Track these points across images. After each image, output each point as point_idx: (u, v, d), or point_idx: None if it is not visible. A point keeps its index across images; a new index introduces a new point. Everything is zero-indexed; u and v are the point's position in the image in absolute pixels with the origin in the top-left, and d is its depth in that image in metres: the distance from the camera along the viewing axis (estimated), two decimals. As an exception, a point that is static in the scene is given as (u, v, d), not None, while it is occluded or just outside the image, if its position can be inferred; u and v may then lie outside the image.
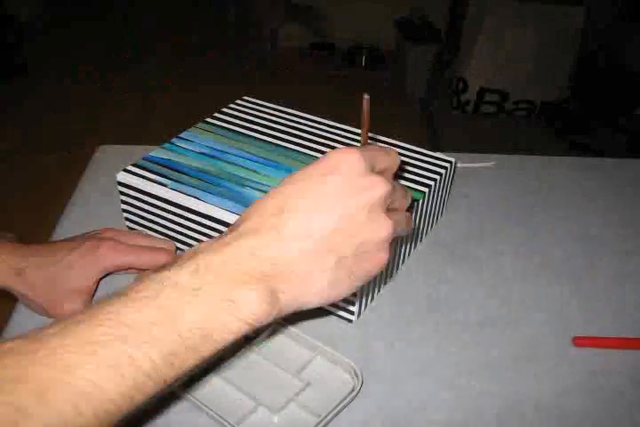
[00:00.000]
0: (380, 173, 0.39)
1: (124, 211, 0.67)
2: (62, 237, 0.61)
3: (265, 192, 0.60)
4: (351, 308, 0.58)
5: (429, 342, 0.58)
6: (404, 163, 0.65)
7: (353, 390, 0.51)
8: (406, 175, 0.64)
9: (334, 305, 0.58)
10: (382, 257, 0.37)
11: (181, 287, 0.32)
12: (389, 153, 0.40)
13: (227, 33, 2.99)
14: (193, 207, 0.59)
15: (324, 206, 0.35)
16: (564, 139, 2.25)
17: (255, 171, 0.63)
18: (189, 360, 0.31)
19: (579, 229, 0.73)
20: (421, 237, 0.69)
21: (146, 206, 0.63)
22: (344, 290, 0.37)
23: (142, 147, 0.81)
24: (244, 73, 2.71)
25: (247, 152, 0.66)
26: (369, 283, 0.57)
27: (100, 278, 0.58)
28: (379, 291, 0.62)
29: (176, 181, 0.61)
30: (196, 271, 0.32)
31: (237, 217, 0.57)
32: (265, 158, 0.65)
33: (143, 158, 0.65)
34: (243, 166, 0.64)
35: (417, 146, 0.69)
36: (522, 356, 0.57)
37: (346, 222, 0.35)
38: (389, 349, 0.57)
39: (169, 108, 2.42)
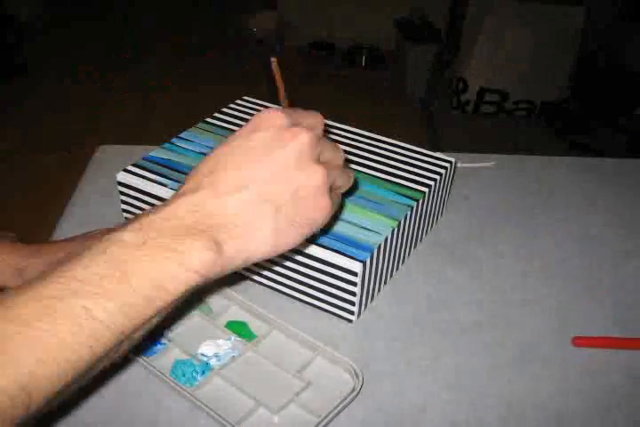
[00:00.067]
0: None
1: (124, 211, 0.67)
2: (62, 237, 0.62)
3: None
4: (351, 308, 0.58)
5: (429, 342, 0.58)
6: (396, 169, 0.65)
7: (353, 391, 0.51)
8: (406, 175, 0.64)
9: (334, 305, 0.58)
10: (323, 203, 0.39)
11: (127, 244, 0.33)
12: (311, 113, 0.42)
13: (227, 33, 2.99)
14: (193, 207, 0.59)
15: (253, 160, 0.37)
16: (564, 139, 2.25)
17: (255, 171, 0.63)
18: (146, 311, 0.32)
19: (578, 229, 0.73)
20: (421, 238, 0.69)
21: (146, 206, 0.63)
22: (290, 239, 0.38)
23: (142, 147, 0.81)
24: (243, 73, 2.71)
25: (247, 152, 0.66)
26: (372, 288, 0.57)
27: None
28: (379, 291, 0.63)
29: (176, 181, 0.61)
30: (139, 229, 0.34)
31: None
32: (265, 158, 0.65)
33: (143, 158, 0.65)
34: (243, 166, 0.64)
35: (417, 146, 0.69)
36: (521, 356, 0.57)
37: (276, 172, 0.37)
38: (389, 349, 0.57)
39: (169, 108, 2.42)
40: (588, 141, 2.18)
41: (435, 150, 0.68)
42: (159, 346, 0.55)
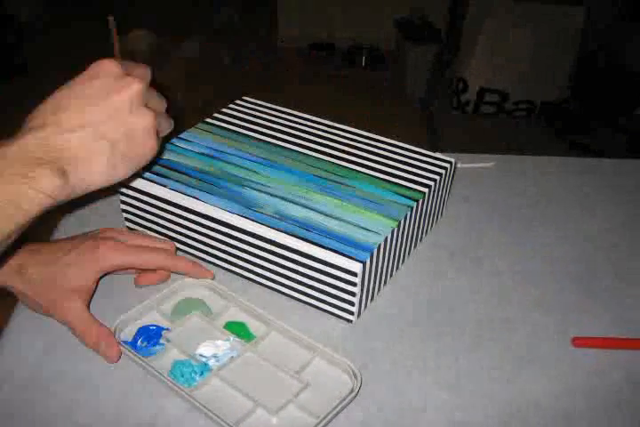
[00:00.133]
0: None
1: (124, 211, 0.67)
2: (62, 237, 0.61)
3: (264, 192, 0.60)
4: (351, 308, 0.58)
5: (429, 343, 0.58)
6: (396, 169, 0.65)
7: (352, 392, 0.51)
8: (406, 175, 0.64)
9: (334, 306, 0.58)
10: (151, 142, 0.47)
11: None
12: (140, 65, 0.49)
13: (227, 33, 2.99)
14: (192, 207, 0.59)
15: (92, 103, 0.44)
16: (564, 139, 2.25)
17: (255, 171, 0.63)
18: (6, 225, 0.39)
19: (578, 228, 0.73)
20: (421, 238, 0.69)
21: (146, 206, 0.63)
22: (123, 170, 0.46)
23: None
24: (243, 73, 2.71)
25: (247, 152, 0.66)
26: (372, 288, 0.57)
27: (100, 278, 0.58)
28: (379, 291, 0.62)
29: (176, 181, 0.61)
30: None
31: (237, 217, 0.57)
32: (265, 158, 0.65)
33: (143, 158, 0.64)
34: (242, 167, 0.64)
35: (417, 146, 0.69)
36: (521, 356, 0.57)
37: (112, 114, 0.44)
38: (389, 349, 0.57)
39: (168, 108, 2.42)
40: (588, 142, 2.18)
41: (434, 150, 0.68)
42: (158, 347, 0.55)
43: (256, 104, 0.75)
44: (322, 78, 2.73)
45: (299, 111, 0.74)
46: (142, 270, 0.61)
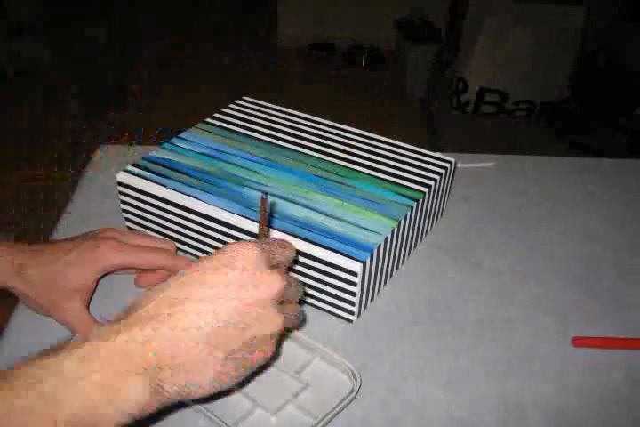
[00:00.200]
0: (275, 266, 0.41)
1: (124, 211, 0.67)
2: (62, 237, 0.61)
3: (264, 192, 0.60)
4: (351, 308, 0.58)
5: (429, 343, 0.58)
6: (396, 169, 0.65)
7: (351, 392, 0.51)
8: (406, 175, 0.64)
9: (334, 305, 0.58)
10: (267, 350, 0.40)
11: (66, 375, 0.32)
12: (285, 247, 0.42)
13: (227, 33, 2.99)
14: (193, 207, 0.59)
15: (218, 298, 0.37)
16: (564, 139, 2.25)
17: (255, 171, 0.63)
18: None
19: (578, 228, 0.73)
20: (421, 238, 0.69)
21: (146, 206, 0.63)
22: (229, 382, 0.39)
23: (142, 147, 0.82)
24: (243, 73, 2.71)
25: (247, 152, 0.66)
26: (372, 288, 0.57)
27: (100, 278, 0.58)
28: (379, 291, 0.62)
29: (176, 180, 0.61)
30: (82, 360, 0.33)
31: (237, 217, 0.57)
32: (265, 158, 0.65)
33: (143, 158, 0.65)
34: (242, 166, 0.64)
35: (417, 146, 0.69)
36: (521, 356, 0.57)
37: (238, 317, 0.37)
38: (389, 349, 0.57)
39: (169, 108, 2.42)
40: (587, 141, 2.18)
41: (434, 150, 0.68)
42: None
43: (256, 104, 0.75)
44: (322, 78, 2.73)
45: (299, 111, 0.74)
46: (142, 270, 0.61)
